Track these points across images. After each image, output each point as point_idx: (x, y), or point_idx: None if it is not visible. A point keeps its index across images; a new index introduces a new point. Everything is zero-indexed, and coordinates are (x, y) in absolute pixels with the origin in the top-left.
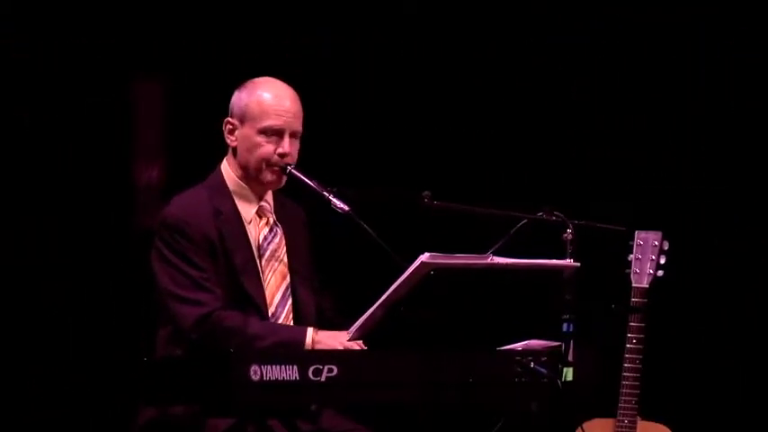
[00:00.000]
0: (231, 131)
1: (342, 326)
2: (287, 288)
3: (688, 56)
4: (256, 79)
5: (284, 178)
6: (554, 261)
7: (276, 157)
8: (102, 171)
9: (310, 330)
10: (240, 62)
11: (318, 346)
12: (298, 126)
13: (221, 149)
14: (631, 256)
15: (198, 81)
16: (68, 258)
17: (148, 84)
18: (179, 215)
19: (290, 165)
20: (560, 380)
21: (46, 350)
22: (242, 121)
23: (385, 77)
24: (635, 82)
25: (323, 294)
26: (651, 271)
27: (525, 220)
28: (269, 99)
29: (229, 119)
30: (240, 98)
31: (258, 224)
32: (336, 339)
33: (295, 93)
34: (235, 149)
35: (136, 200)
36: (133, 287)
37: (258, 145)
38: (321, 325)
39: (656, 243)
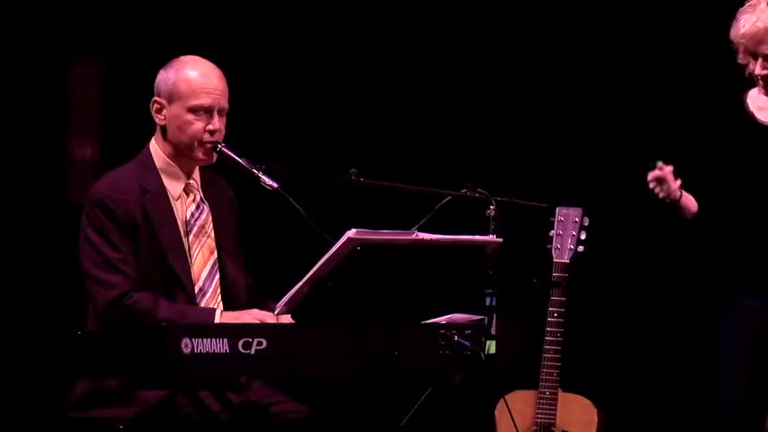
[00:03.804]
0: (159, 110)
1: (267, 301)
2: (214, 263)
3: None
4: (182, 58)
5: (215, 156)
6: (477, 237)
7: (206, 134)
8: (37, 147)
9: (218, 312)
10: (174, 40)
11: None
12: (225, 103)
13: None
14: (552, 231)
15: (133, 60)
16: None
17: (84, 62)
18: (104, 192)
19: (219, 143)
20: (483, 352)
21: None
22: (170, 100)
23: (308, 52)
24: (557, 56)
25: (249, 270)
26: (572, 246)
27: (449, 197)
28: (197, 78)
29: (156, 98)
30: (167, 77)
31: (185, 201)
32: (241, 318)
33: (220, 71)
34: (164, 128)
35: (69, 176)
36: (64, 262)
37: (188, 123)
38: (249, 300)
39: (577, 219)
